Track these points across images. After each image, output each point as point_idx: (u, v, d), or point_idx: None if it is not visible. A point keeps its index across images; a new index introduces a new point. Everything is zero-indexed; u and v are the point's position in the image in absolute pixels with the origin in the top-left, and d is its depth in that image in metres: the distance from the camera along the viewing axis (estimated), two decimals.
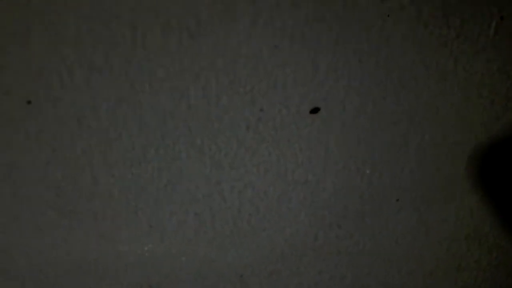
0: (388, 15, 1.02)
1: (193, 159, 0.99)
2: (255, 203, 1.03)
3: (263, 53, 0.97)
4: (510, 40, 1.04)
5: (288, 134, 0.99)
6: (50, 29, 0.90)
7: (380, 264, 1.07)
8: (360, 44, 1.00)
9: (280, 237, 1.04)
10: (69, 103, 0.94)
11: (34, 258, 1.05)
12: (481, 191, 1.05)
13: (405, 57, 1.01)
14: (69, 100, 0.93)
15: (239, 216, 1.04)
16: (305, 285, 1.08)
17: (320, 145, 1.00)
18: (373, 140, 1.00)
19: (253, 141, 0.99)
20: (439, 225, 1.05)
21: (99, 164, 0.98)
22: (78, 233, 1.03)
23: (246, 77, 0.97)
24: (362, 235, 1.05)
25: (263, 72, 0.98)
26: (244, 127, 0.97)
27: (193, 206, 1.03)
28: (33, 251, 1.04)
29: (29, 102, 0.94)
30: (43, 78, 0.94)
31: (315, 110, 1.00)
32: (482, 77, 1.01)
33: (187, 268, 1.07)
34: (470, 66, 1.00)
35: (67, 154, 0.98)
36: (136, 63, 0.93)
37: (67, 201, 1.01)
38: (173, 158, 0.99)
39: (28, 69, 0.93)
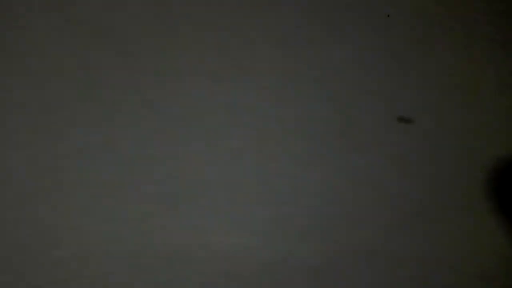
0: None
1: (283, 160, 1.04)
2: (334, 203, 1.08)
3: (356, 65, 1.04)
4: None
5: (373, 140, 1.05)
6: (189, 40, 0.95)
7: (442, 268, 1.14)
8: (444, 59, 1.08)
9: (355, 236, 1.10)
10: (187, 105, 0.99)
11: (129, 245, 1.11)
12: None
13: (479, 73, 1.09)
14: (186, 103, 0.99)
15: (319, 215, 1.09)
16: (374, 284, 1.13)
17: (400, 151, 1.07)
18: (443, 147, 1.07)
19: (340, 146, 1.04)
20: (500, 229, 1.13)
21: (204, 162, 1.07)
22: (174, 223, 1.10)
23: (337, 86, 1.02)
24: (429, 240, 1.12)
25: (353, 82, 1.03)
26: (333, 132, 1.02)
27: (278, 203, 1.07)
28: (131, 238, 1.11)
29: (143, 104, 1.00)
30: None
31: (404, 119, 1.06)
32: None
33: (267, 260, 1.11)
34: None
35: (175, 150, 1.06)
36: (245, 73, 0.98)
37: (169, 194, 1.09)
38: (266, 158, 1.04)
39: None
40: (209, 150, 1.05)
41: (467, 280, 1.14)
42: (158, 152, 1.07)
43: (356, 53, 1.13)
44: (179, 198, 1.10)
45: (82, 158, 1.09)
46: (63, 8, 1.18)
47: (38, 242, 1.09)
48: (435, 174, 1.10)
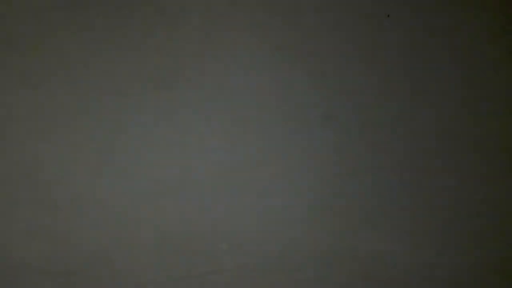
0: None
1: (439, 174, 1.16)
2: (482, 216, 1.16)
3: None
4: None
5: None
6: None
7: None
8: None
9: (497, 252, 1.14)
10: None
11: (276, 245, 1.21)
12: None
13: None
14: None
15: (460, 227, 1.15)
16: None
17: None
18: None
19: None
20: None
21: (367, 171, 1.19)
22: (323, 226, 1.19)
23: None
24: None
25: None
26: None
27: (430, 214, 1.17)
28: (278, 238, 1.21)
29: (326, 117, 1.25)
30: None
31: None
32: None
33: (410, 267, 1.16)
34: None
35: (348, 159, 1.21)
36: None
37: (333, 200, 1.20)
38: (420, 171, 1.17)
39: None
40: (365, 161, 1.20)
41: None
42: (320, 160, 1.21)
43: None
44: (328, 201, 1.21)
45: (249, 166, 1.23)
46: None
47: (209, 234, 1.20)
48: None
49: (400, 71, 1.34)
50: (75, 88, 1.29)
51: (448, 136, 1.23)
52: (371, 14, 1.44)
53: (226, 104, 1.29)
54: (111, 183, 1.23)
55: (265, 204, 1.21)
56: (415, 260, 1.15)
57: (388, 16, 1.46)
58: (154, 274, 1.17)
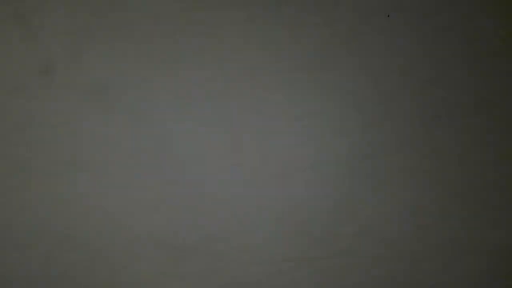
0: None
1: None
2: None
3: None
4: None
5: None
6: None
7: None
8: None
9: None
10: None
11: (400, 233, 1.28)
12: None
13: None
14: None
15: None
16: None
17: None
18: None
19: None
20: None
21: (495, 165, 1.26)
22: (453, 217, 1.25)
23: None
24: None
25: None
26: None
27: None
28: (411, 229, 1.27)
29: (438, 117, 1.31)
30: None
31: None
32: None
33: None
34: None
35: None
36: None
37: (460, 191, 1.27)
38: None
39: None
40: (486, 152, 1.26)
41: None
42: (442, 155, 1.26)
43: None
44: (455, 192, 1.27)
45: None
46: None
47: (330, 218, 1.29)
48: None
49: None
50: (209, 73, 1.34)
51: None
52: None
53: (340, 96, 1.33)
54: (239, 162, 1.31)
55: (388, 192, 1.27)
56: None
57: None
58: (270, 254, 1.27)
